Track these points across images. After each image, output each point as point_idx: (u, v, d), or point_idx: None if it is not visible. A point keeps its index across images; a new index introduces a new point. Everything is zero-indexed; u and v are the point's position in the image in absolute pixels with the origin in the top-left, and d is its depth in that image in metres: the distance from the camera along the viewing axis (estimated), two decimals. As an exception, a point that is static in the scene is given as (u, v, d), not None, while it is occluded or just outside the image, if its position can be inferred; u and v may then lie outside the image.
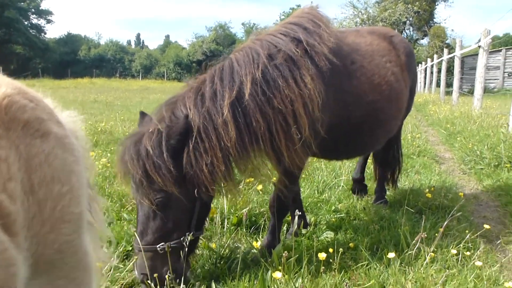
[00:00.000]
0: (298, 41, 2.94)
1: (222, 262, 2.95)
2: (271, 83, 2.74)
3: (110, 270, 2.76)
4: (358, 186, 4.78)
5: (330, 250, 2.80)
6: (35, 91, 1.23)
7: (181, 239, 2.61)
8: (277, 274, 2.39)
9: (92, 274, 1.27)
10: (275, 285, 2.44)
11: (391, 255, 2.71)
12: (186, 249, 2.60)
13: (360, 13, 43.27)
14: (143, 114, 2.85)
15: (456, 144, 8.47)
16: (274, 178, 3.23)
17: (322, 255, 2.51)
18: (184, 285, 2.56)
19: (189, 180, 2.58)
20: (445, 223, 3.14)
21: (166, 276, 2.50)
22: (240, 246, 3.23)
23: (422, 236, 2.85)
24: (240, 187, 2.93)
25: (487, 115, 10.88)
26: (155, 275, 2.50)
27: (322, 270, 2.46)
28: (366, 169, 5.01)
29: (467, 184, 5.88)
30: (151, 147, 2.50)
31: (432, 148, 8.47)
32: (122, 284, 2.69)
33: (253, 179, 3.07)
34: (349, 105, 3.26)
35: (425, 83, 29.25)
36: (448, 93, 20.88)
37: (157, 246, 2.55)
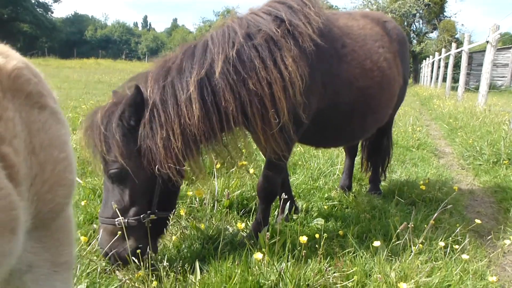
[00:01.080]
0: (281, 21, 2.82)
1: (209, 243, 2.95)
2: (247, 63, 2.64)
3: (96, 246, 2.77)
4: (348, 189, 4.63)
5: (317, 235, 2.79)
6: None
7: (141, 216, 2.55)
8: (258, 255, 2.39)
9: (73, 240, 1.38)
10: (256, 267, 2.44)
11: (377, 243, 2.70)
12: (149, 227, 2.55)
13: (369, 3, 42.84)
14: (115, 93, 2.79)
15: (457, 139, 8.42)
16: (244, 163, 3.19)
17: (303, 239, 2.50)
18: (150, 264, 2.53)
19: (144, 154, 2.51)
20: (435, 215, 3.12)
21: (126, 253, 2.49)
22: (229, 228, 3.23)
23: (410, 226, 2.83)
24: (205, 170, 2.84)
25: (491, 112, 10.81)
26: (114, 250, 2.49)
27: (303, 254, 2.45)
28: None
29: (464, 179, 5.85)
30: (104, 117, 2.49)
31: (433, 142, 8.44)
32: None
33: (224, 162, 3.01)
34: (338, 90, 3.16)
35: (431, 77, 29.02)
36: (454, 88, 20.75)
37: (115, 220, 2.50)
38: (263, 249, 2.53)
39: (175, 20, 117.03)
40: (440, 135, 9.92)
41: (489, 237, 3.65)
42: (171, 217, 2.81)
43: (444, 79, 22.75)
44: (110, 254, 2.50)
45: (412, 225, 2.87)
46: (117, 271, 2.62)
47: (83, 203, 3.38)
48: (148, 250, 2.57)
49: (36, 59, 42.78)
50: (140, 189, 2.56)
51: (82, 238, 2.73)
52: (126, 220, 2.51)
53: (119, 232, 2.49)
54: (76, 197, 3.78)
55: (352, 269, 2.56)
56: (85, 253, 2.68)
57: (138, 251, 2.48)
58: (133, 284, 2.38)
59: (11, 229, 1.03)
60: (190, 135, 2.57)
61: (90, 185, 4.00)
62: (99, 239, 2.59)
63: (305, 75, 2.79)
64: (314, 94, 2.98)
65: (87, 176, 4.38)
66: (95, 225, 3.15)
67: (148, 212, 2.59)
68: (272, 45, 2.72)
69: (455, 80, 23.23)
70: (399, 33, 3.98)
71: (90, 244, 2.81)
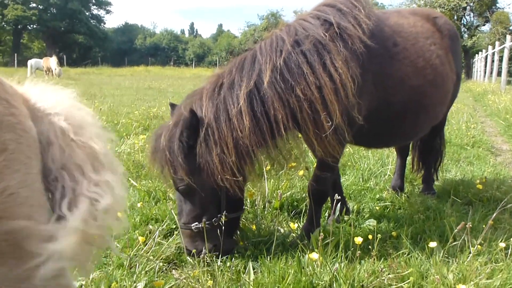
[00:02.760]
0: (330, 24, 2.83)
1: (261, 244, 2.99)
2: (295, 70, 2.68)
3: (152, 246, 2.88)
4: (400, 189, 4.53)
5: (369, 236, 2.76)
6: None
7: (213, 220, 2.77)
8: (314, 255, 2.40)
9: None
10: (310, 267, 2.45)
11: (433, 244, 2.63)
12: (223, 228, 2.77)
13: (417, -1, 41.63)
14: (172, 106, 3.00)
15: (515, 136, 8.04)
16: (293, 164, 3.24)
17: (358, 239, 2.48)
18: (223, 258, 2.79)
19: (204, 169, 2.68)
20: (494, 215, 3.01)
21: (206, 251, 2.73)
22: (280, 229, 3.25)
23: (467, 227, 2.73)
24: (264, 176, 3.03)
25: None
26: (195, 250, 2.77)
27: (358, 255, 2.43)
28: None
29: (524, 177, 5.58)
30: (167, 141, 2.69)
31: (489, 139, 8.10)
32: (162, 258, 2.79)
33: (286, 166, 3.07)
34: (390, 89, 3.13)
35: (485, 72, 27.79)
36: (510, 82, 19.78)
37: (192, 225, 2.75)
38: (316, 250, 2.53)
39: (220, 25, 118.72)
40: (496, 132, 9.50)
41: (554, 238, 3.47)
42: (242, 216, 3.08)
43: (499, 74, 21.74)
44: (191, 252, 2.80)
45: (470, 226, 2.77)
46: (173, 270, 2.71)
47: (139, 204, 3.51)
48: (224, 247, 2.83)
49: (90, 68, 44.75)
50: (207, 198, 2.79)
51: (140, 238, 2.85)
52: (200, 226, 2.74)
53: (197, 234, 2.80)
54: (132, 199, 3.93)
55: (407, 271, 2.51)
56: (142, 252, 2.79)
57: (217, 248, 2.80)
58: (189, 283, 2.45)
59: None
60: (243, 147, 2.68)
61: (145, 187, 4.14)
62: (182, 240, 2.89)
63: (357, 76, 2.79)
64: (366, 95, 2.97)
65: (142, 179, 4.54)
66: (150, 226, 3.27)
67: (219, 215, 2.80)
68: (321, 49, 2.74)
69: (511, 74, 22.14)
70: (450, 28, 3.87)
71: (146, 244, 2.92)
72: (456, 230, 2.71)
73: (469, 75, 40.56)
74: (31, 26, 64.01)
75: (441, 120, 4.21)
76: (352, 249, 2.88)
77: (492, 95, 16.17)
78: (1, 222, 1.15)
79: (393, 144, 4.09)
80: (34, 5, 61.36)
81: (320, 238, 2.56)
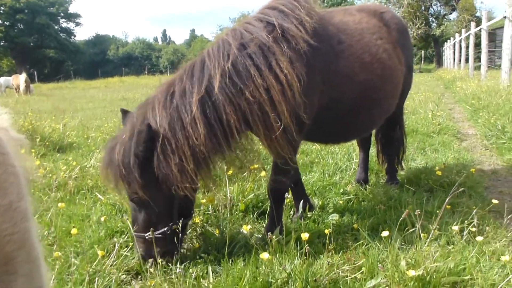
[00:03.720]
0: (273, 26, 2.88)
1: (224, 248, 3.03)
2: (243, 73, 2.72)
3: (113, 259, 2.89)
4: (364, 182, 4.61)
5: (326, 231, 2.82)
6: None
7: (165, 229, 2.80)
8: (265, 255, 2.45)
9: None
10: (263, 266, 2.50)
11: (385, 233, 2.71)
12: (174, 235, 2.84)
13: (384, -8, 42.25)
14: (124, 112, 2.97)
15: (480, 120, 8.25)
16: (256, 166, 3.28)
17: (304, 235, 2.54)
18: (178, 264, 2.80)
19: (162, 180, 2.70)
20: (447, 199, 3.10)
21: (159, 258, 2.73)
22: (244, 231, 3.29)
23: (417, 213, 2.82)
24: (217, 179, 3.10)
25: (515, 88, 10.51)
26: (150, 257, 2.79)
27: (306, 250, 2.49)
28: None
29: (487, 160, 5.75)
30: (121, 155, 2.67)
31: (455, 125, 8.29)
32: (125, 270, 2.82)
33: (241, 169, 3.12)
34: (339, 86, 3.20)
35: (454, 59, 28.38)
36: (478, 68, 20.21)
37: (145, 235, 2.77)
38: (271, 249, 2.59)
39: (193, 31, 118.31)
40: (463, 117, 9.74)
41: (510, 216, 3.59)
42: (190, 222, 3.11)
43: (468, 60, 22.23)
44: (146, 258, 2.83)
45: (419, 212, 2.86)
46: (133, 281, 2.73)
47: (103, 218, 3.51)
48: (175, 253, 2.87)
49: (63, 82, 44.08)
50: (160, 209, 2.81)
51: (100, 252, 2.85)
52: (153, 236, 2.74)
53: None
54: (99, 213, 3.93)
55: (361, 261, 2.58)
56: (105, 266, 2.80)
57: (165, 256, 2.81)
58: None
59: None
60: (200, 154, 2.72)
61: (111, 201, 4.14)
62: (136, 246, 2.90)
63: (303, 75, 2.84)
64: (314, 93, 3.03)
65: (109, 193, 4.53)
66: (115, 239, 3.28)
67: (171, 224, 2.83)
68: (266, 51, 2.79)
69: (480, 59, 22.64)
70: (397, 22, 3.97)
71: (110, 257, 2.93)
72: (402, 216, 2.78)
73: (440, 63, 41.40)
74: (-2, 43, 62.92)
75: (397, 111, 4.32)
76: (312, 245, 2.95)
77: (461, 81, 16.53)
78: None
79: (350, 139, 4.18)
80: (0, 21, 60.26)
81: (269, 237, 2.62)
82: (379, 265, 2.47)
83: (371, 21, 3.67)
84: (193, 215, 3.12)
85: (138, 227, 2.84)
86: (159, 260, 2.66)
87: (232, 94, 2.71)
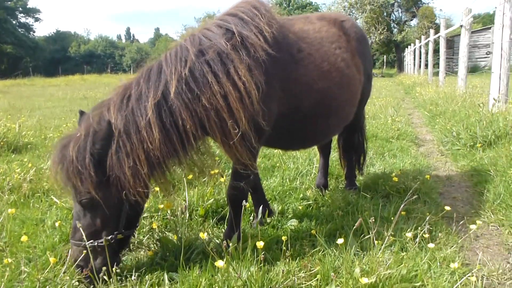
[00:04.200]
0: (232, 33, 2.88)
1: (182, 254, 3.00)
2: (200, 79, 2.71)
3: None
4: (324, 188, 4.68)
5: (283, 238, 2.84)
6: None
7: (109, 237, 2.69)
8: (220, 263, 2.44)
9: None
10: (219, 274, 2.50)
11: (340, 241, 2.76)
12: (118, 243, 2.75)
13: (347, -4, 43.05)
14: (82, 113, 2.89)
15: (437, 126, 8.52)
16: (216, 171, 3.27)
17: (260, 244, 2.55)
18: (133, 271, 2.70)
19: (113, 183, 2.63)
20: (402, 206, 3.18)
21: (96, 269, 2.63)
22: (201, 238, 3.26)
23: (371, 221, 2.89)
24: (171, 186, 3.01)
25: (470, 95, 10.91)
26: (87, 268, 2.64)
27: (262, 258, 2.50)
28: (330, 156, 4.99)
29: (443, 166, 5.94)
30: (76, 152, 2.57)
31: (413, 131, 8.53)
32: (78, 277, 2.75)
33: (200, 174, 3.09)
34: (297, 93, 3.23)
35: (414, 65, 29.24)
36: (437, 74, 20.90)
37: (87, 243, 2.64)
38: (227, 256, 2.58)
39: (157, 29, 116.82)
40: (421, 123, 10.03)
41: (461, 222, 3.72)
42: (135, 233, 2.99)
43: (427, 66, 22.95)
44: (82, 269, 2.67)
45: (373, 219, 2.92)
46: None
47: (57, 223, 3.41)
48: (114, 264, 2.69)
49: (21, 79, 42.56)
50: (109, 214, 2.71)
51: (52, 259, 2.76)
52: (95, 244, 2.67)
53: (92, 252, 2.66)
54: (54, 218, 3.81)
55: (316, 268, 2.62)
56: (55, 273, 2.72)
57: (104, 268, 2.61)
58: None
59: None
60: (155, 158, 2.67)
61: (67, 204, 4.03)
62: (71, 255, 2.73)
63: (261, 83, 2.85)
64: (273, 100, 3.05)
65: (64, 196, 4.41)
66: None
67: (116, 233, 2.74)
68: (224, 58, 2.78)
69: (439, 65, 23.44)
70: (357, 31, 4.05)
71: (64, 264, 2.85)
72: (355, 226, 2.85)
73: (401, 68, 42.54)
74: (-48, 38, 60.19)
75: (358, 117, 4.40)
76: (270, 251, 2.96)
77: (420, 87, 17.04)
78: None
79: (308, 145, 4.22)
80: (-46, 15, 57.70)
81: (236, 244, 2.62)
82: (331, 273, 2.51)
83: (331, 30, 3.72)
84: (137, 227, 3.04)
85: (79, 233, 2.68)
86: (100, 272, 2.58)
87: (188, 99, 2.69)
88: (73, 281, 2.67)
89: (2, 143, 7.08)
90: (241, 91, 2.75)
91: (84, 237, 2.64)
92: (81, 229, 2.63)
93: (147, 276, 2.73)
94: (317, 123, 3.53)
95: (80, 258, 2.65)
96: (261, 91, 2.83)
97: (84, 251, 2.64)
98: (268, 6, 3.18)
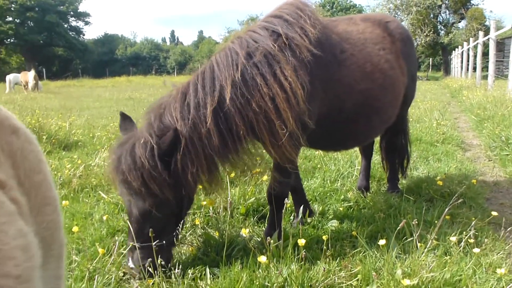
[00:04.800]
0: (278, 35, 2.93)
1: (223, 250, 3.06)
2: (250, 83, 2.77)
3: (113, 257, 2.93)
4: (365, 190, 4.63)
5: (324, 237, 2.85)
6: None
7: (173, 234, 2.80)
8: (263, 258, 2.48)
9: (65, 251, 1.43)
10: (260, 270, 2.54)
11: (382, 242, 2.74)
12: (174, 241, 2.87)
13: (392, -1, 42.20)
14: (123, 116, 2.96)
15: (485, 131, 8.24)
16: (258, 170, 3.31)
17: (301, 241, 2.57)
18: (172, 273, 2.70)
19: (175, 186, 2.71)
20: (446, 209, 3.12)
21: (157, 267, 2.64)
22: (243, 235, 3.32)
23: (414, 223, 2.85)
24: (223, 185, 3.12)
25: (522, 99, 10.48)
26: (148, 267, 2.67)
27: (303, 256, 2.52)
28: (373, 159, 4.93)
29: (490, 171, 5.74)
30: (146, 158, 2.61)
31: (459, 135, 8.29)
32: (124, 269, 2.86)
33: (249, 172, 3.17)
34: (340, 94, 3.24)
35: (461, 68, 28.31)
36: (485, 77, 20.17)
37: (154, 243, 2.65)
38: (268, 253, 2.62)
39: (201, 32, 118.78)
40: (468, 127, 9.73)
41: (509, 228, 3.60)
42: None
43: (475, 69, 22.19)
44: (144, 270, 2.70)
45: (416, 222, 2.88)
46: (132, 279, 2.77)
47: (105, 217, 3.56)
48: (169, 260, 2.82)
49: (71, 80, 44.34)
50: (173, 213, 2.81)
51: (100, 250, 2.90)
52: (162, 243, 2.73)
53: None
54: (101, 212, 3.98)
55: (356, 268, 2.61)
56: (103, 264, 2.85)
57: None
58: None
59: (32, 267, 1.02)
60: (213, 164, 2.79)
61: (114, 200, 4.19)
62: (135, 260, 2.74)
63: (306, 83, 2.90)
64: (316, 100, 3.08)
65: (112, 192, 4.58)
66: (117, 238, 3.33)
67: (177, 230, 2.85)
68: (271, 59, 2.84)
69: (487, 69, 22.61)
70: (402, 32, 4.00)
71: (111, 255, 2.97)
72: (398, 228, 2.80)
73: (447, 71, 41.22)
74: (8, 40, 63.21)
75: (401, 119, 4.35)
76: (310, 251, 2.98)
77: (467, 90, 16.49)
78: None
79: (349, 146, 4.20)
80: (10, 19, 60.65)
81: (268, 241, 2.66)
82: (373, 273, 2.50)
83: (375, 31, 3.71)
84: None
85: (145, 237, 2.69)
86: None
87: (241, 105, 2.76)
88: (119, 272, 2.79)
89: (54, 140, 7.43)
90: (288, 91, 2.80)
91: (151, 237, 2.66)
92: (150, 230, 2.66)
93: (189, 270, 2.80)
94: (359, 124, 3.52)
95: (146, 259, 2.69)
96: (306, 91, 2.86)
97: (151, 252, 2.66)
98: (312, 8, 3.22)
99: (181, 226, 2.90)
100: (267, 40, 2.89)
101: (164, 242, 2.74)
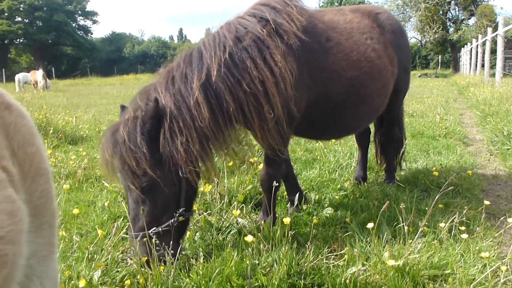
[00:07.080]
0: (266, 21, 3.00)
1: (219, 234, 3.16)
2: (240, 65, 2.83)
3: (110, 239, 3.04)
4: (362, 180, 4.69)
5: (315, 221, 2.93)
6: None
7: (172, 221, 2.68)
8: (249, 238, 2.57)
9: (57, 220, 1.51)
10: (250, 250, 2.63)
11: (370, 225, 2.81)
12: (179, 229, 2.73)
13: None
14: (123, 107, 2.99)
15: (488, 126, 8.25)
16: (255, 158, 3.36)
17: (287, 220, 2.66)
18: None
19: (166, 160, 2.64)
20: (437, 197, 3.18)
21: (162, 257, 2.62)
22: (239, 220, 3.41)
23: (402, 208, 2.92)
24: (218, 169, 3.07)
25: (527, 95, 10.46)
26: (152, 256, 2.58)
27: (290, 235, 2.60)
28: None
29: (490, 165, 5.78)
30: (127, 133, 2.60)
31: (463, 130, 8.31)
32: (123, 250, 2.96)
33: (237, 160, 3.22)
34: (327, 81, 3.31)
35: (470, 65, 28.14)
36: (494, 74, 20.05)
37: (150, 231, 2.61)
38: (257, 234, 2.71)
39: (208, 29, 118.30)
40: (472, 123, 9.73)
41: (502, 218, 3.65)
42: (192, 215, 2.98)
43: (484, 66, 22.05)
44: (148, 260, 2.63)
45: (404, 206, 2.95)
46: (129, 259, 2.88)
47: (106, 203, 3.68)
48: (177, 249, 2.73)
49: (79, 79, 44.72)
50: (170, 195, 2.72)
51: (100, 232, 2.99)
52: (160, 229, 2.65)
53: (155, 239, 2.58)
54: (104, 200, 4.10)
55: (343, 249, 2.69)
56: (103, 245, 2.96)
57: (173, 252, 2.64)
58: (141, 267, 2.58)
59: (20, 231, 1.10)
60: (204, 137, 2.75)
61: (116, 188, 4.31)
62: (136, 251, 2.69)
63: (294, 69, 2.97)
64: (302, 87, 3.15)
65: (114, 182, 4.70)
66: (117, 223, 3.43)
67: (177, 215, 2.72)
68: (260, 44, 2.90)
69: (496, 66, 22.47)
70: (393, 23, 4.08)
71: (109, 238, 3.08)
72: (382, 208, 2.85)
73: (456, 68, 40.95)
74: (18, 40, 63.87)
75: (395, 111, 4.41)
76: (304, 236, 3.06)
77: (474, 87, 16.44)
78: None
79: (339, 135, 4.25)
80: (19, 19, 61.21)
81: (261, 225, 2.75)
82: (355, 250, 2.57)
83: (363, 21, 3.79)
84: (193, 212, 3.02)
85: (141, 222, 2.65)
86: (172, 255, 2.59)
87: (231, 83, 2.80)
88: (117, 253, 2.89)
89: (61, 135, 7.58)
90: (277, 76, 2.86)
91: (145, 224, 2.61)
92: (143, 215, 2.61)
93: (184, 252, 2.90)
94: (347, 112, 3.59)
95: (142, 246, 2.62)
96: (294, 77, 2.94)
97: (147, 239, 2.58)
98: None
99: (184, 214, 2.77)
100: (256, 26, 2.96)
101: (160, 229, 2.64)
